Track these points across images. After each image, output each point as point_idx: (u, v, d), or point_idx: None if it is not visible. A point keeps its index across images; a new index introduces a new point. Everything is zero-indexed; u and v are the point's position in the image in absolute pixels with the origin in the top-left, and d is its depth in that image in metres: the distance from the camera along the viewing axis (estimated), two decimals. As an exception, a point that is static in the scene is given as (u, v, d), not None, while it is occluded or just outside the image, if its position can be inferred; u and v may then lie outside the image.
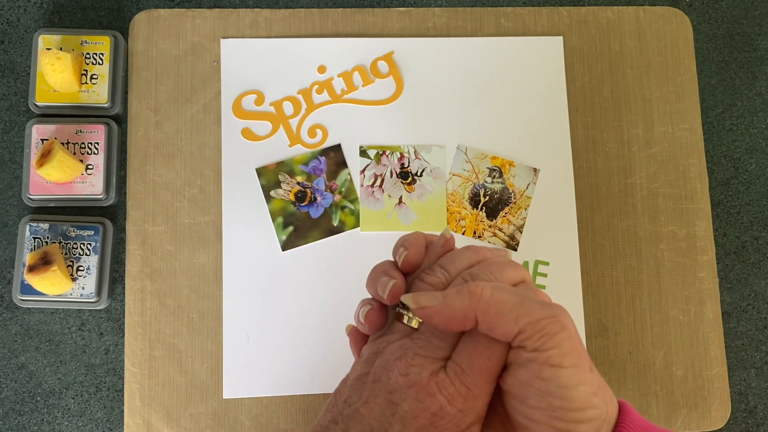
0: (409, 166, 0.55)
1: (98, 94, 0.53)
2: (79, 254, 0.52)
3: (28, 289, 0.50)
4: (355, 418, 0.30)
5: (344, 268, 0.54)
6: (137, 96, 0.55)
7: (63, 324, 0.53)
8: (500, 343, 0.30)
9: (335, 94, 0.56)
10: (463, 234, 0.55)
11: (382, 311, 0.34)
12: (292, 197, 0.54)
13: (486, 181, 0.56)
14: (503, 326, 0.29)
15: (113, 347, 0.53)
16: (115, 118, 0.55)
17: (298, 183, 0.55)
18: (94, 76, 0.54)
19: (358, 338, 0.36)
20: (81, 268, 0.51)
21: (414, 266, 0.35)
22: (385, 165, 0.55)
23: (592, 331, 0.54)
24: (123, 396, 0.52)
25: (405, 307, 0.33)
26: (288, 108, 0.55)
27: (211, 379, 0.52)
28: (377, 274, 0.35)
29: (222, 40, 0.56)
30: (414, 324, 0.32)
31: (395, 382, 0.30)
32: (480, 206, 0.55)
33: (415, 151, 0.56)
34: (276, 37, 0.57)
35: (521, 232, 0.55)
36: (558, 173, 0.56)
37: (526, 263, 0.55)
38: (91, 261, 0.52)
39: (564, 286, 0.55)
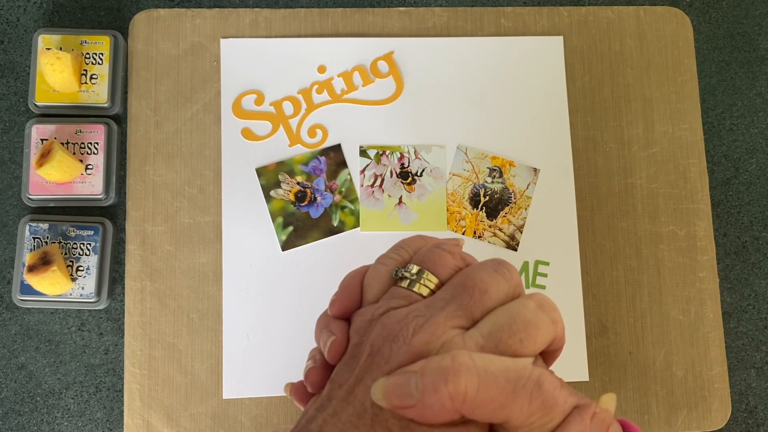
0: (409, 166, 0.55)
1: (98, 94, 0.53)
2: (79, 254, 0.52)
3: (27, 289, 0.50)
4: (348, 401, 0.26)
5: (344, 268, 0.53)
6: (137, 96, 0.55)
7: (63, 324, 0.53)
8: None
9: (335, 94, 0.56)
10: (463, 233, 0.55)
11: (324, 371, 0.29)
12: (292, 197, 0.54)
13: (486, 181, 0.56)
14: (492, 420, 0.25)
15: (113, 347, 0.53)
16: (115, 118, 0.55)
17: (298, 183, 0.55)
18: (94, 76, 0.53)
19: (304, 395, 0.30)
20: (81, 268, 0.51)
21: (349, 313, 0.30)
22: (385, 165, 0.55)
23: (592, 331, 0.54)
24: (123, 396, 0.52)
25: (404, 268, 0.29)
26: (288, 108, 0.55)
27: (211, 379, 0.52)
28: (318, 327, 0.30)
29: (222, 40, 0.56)
30: (419, 290, 0.28)
31: (397, 355, 0.26)
32: (480, 206, 0.55)
33: (415, 151, 0.56)
34: (276, 37, 0.57)
35: (521, 232, 0.55)
36: (558, 173, 0.56)
37: (526, 263, 0.55)
38: (90, 261, 0.51)
39: (564, 286, 0.55)
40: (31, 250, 0.51)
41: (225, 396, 0.52)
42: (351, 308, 0.31)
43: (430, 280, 0.28)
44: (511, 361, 0.25)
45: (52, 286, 0.49)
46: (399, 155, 0.55)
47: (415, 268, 0.29)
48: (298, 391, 0.31)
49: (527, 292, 0.55)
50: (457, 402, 0.24)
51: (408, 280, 0.28)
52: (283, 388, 0.32)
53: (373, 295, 0.30)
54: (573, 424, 0.25)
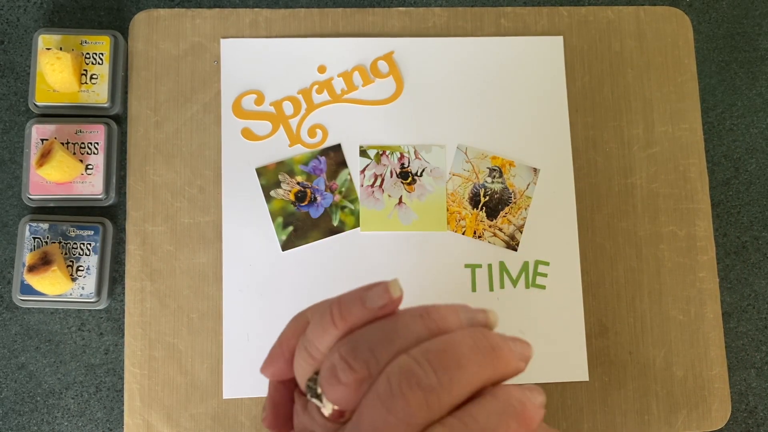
0: (409, 166, 0.55)
1: (98, 94, 0.53)
2: (79, 254, 0.52)
3: (27, 289, 0.50)
4: None
5: (344, 268, 0.54)
6: (137, 96, 0.55)
7: (63, 324, 0.53)
8: None
9: (335, 94, 0.56)
10: (463, 234, 0.55)
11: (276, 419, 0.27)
12: (292, 197, 0.54)
13: (486, 181, 0.56)
14: None
15: (113, 347, 0.53)
16: (115, 118, 0.55)
17: (298, 183, 0.55)
18: (94, 76, 0.53)
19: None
20: (81, 268, 0.51)
21: (282, 377, 0.27)
22: (385, 165, 0.55)
23: (592, 331, 0.54)
24: (123, 396, 0.52)
25: (314, 381, 0.25)
26: (288, 108, 0.55)
27: (211, 379, 0.52)
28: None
29: (222, 40, 0.56)
30: (328, 413, 0.24)
31: None
32: (480, 206, 0.55)
33: (415, 151, 0.56)
34: (276, 37, 0.57)
35: (521, 232, 0.55)
36: (558, 173, 0.56)
37: (526, 263, 0.55)
38: (90, 261, 0.51)
39: (564, 286, 0.55)
40: (31, 250, 0.51)
41: (225, 396, 0.52)
42: (280, 375, 0.27)
43: (328, 407, 0.24)
44: None
45: (52, 286, 0.50)
46: (399, 155, 0.55)
47: (319, 388, 0.24)
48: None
49: (527, 292, 0.55)
50: None
51: (315, 405, 0.24)
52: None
53: (301, 385, 0.26)
54: None
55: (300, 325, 0.27)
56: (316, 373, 0.25)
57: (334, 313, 0.25)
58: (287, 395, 0.27)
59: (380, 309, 0.25)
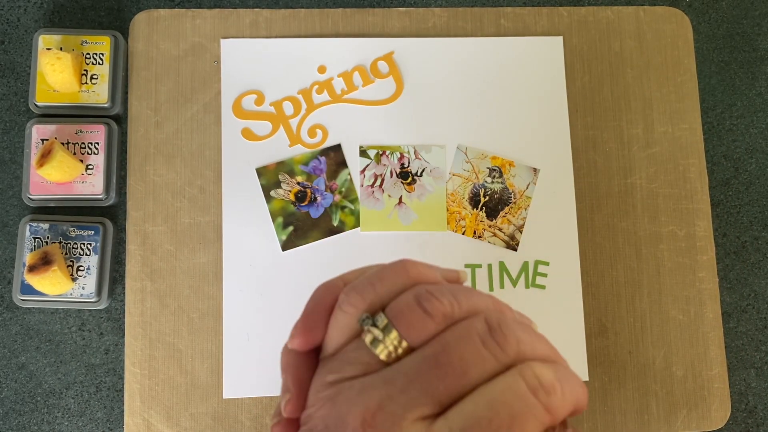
0: (409, 166, 0.55)
1: (98, 94, 0.53)
2: (79, 254, 0.52)
3: (28, 289, 0.50)
4: None
5: (344, 268, 0.53)
6: (137, 96, 0.55)
7: (63, 324, 0.53)
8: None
9: (335, 94, 0.56)
10: (463, 233, 0.55)
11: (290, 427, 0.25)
12: (292, 197, 0.54)
13: (486, 181, 0.56)
14: None
15: (113, 347, 0.53)
16: (115, 118, 0.55)
17: (298, 183, 0.55)
18: (94, 76, 0.54)
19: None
20: (81, 268, 0.51)
21: (312, 346, 0.26)
22: (385, 165, 0.55)
23: (592, 331, 0.54)
24: (123, 396, 0.52)
25: (372, 318, 0.23)
26: (288, 108, 0.56)
27: (211, 379, 0.52)
28: (281, 364, 0.26)
29: (222, 40, 0.56)
30: (382, 354, 0.23)
31: None
32: (480, 206, 0.55)
33: (415, 151, 0.56)
34: (276, 37, 0.57)
35: (521, 232, 0.55)
36: (558, 173, 0.56)
37: (526, 263, 0.55)
38: (91, 261, 0.52)
39: (564, 286, 0.55)
40: (31, 250, 0.51)
41: (225, 396, 0.52)
42: (314, 341, 0.26)
43: (398, 345, 0.23)
44: None
45: (52, 286, 0.50)
46: (399, 155, 0.55)
47: (382, 322, 0.23)
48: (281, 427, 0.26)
49: (527, 292, 0.55)
50: None
51: (372, 337, 0.23)
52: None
53: (334, 347, 0.25)
54: None
55: (335, 289, 0.26)
56: (370, 315, 0.24)
57: (407, 264, 0.25)
58: (311, 367, 0.26)
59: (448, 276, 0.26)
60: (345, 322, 0.24)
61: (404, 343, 0.23)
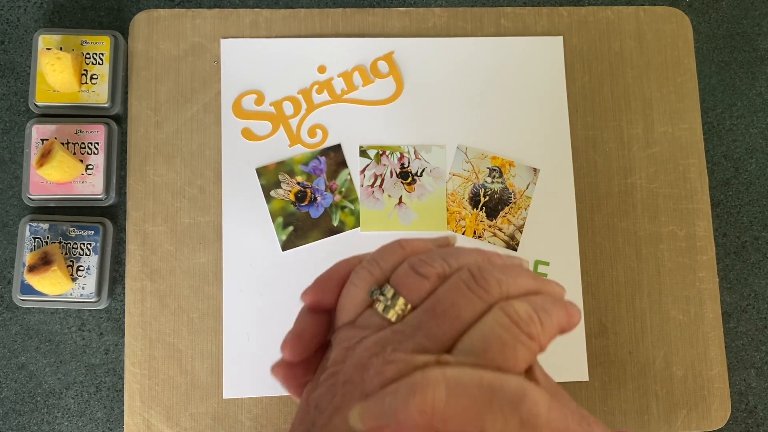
0: (409, 166, 0.55)
1: (98, 94, 0.53)
2: (79, 254, 0.52)
3: (28, 289, 0.50)
4: (328, 429, 0.26)
5: (344, 268, 0.54)
6: (137, 96, 0.55)
7: (63, 324, 0.53)
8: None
9: (335, 94, 0.56)
10: (463, 234, 0.55)
11: (293, 369, 0.29)
12: (292, 197, 0.54)
13: (486, 181, 0.56)
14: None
15: (113, 347, 0.53)
16: (115, 118, 0.55)
17: (298, 183, 0.55)
18: (94, 76, 0.54)
19: (289, 375, 0.30)
20: (81, 268, 0.51)
21: (321, 306, 0.30)
22: (385, 165, 0.55)
23: (592, 331, 0.54)
24: (123, 396, 0.52)
25: (380, 290, 0.28)
26: (288, 108, 0.56)
27: (211, 379, 0.52)
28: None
29: (222, 40, 0.56)
30: (393, 317, 0.27)
31: (370, 384, 0.25)
32: (480, 206, 0.55)
33: (415, 151, 0.56)
34: (276, 37, 0.57)
35: (521, 232, 0.55)
36: (558, 173, 0.56)
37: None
38: (91, 261, 0.52)
39: (564, 286, 0.54)
40: (31, 250, 0.51)
41: (225, 396, 0.52)
42: (323, 301, 0.30)
43: (404, 308, 0.27)
44: (491, 374, 0.24)
45: (52, 286, 0.50)
46: (399, 155, 0.55)
47: (390, 292, 0.28)
48: (282, 368, 0.30)
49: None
50: (426, 415, 0.23)
51: (383, 305, 0.27)
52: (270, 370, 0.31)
53: (348, 317, 0.29)
54: None
55: (350, 264, 0.31)
56: (378, 288, 0.28)
57: (401, 241, 0.30)
58: (315, 325, 0.30)
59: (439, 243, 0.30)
60: (356, 294, 0.29)
61: (409, 306, 0.27)
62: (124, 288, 0.53)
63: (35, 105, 0.53)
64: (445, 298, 0.26)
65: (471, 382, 0.24)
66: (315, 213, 0.54)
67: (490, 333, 0.25)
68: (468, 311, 0.26)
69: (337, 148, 0.55)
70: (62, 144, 0.52)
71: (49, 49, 0.52)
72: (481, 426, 0.23)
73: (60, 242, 0.52)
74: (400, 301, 0.27)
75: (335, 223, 0.54)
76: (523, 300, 0.26)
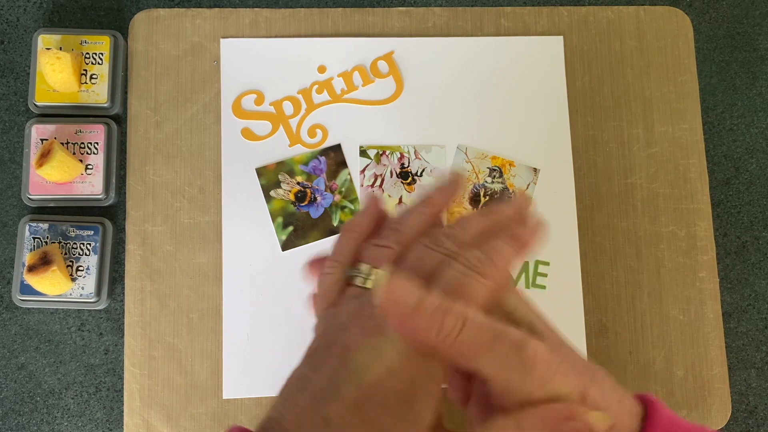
0: (409, 166, 0.55)
1: (98, 94, 0.53)
2: (79, 254, 0.52)
3: (27, 289, 0.50)
4: (305, 388, 0.28)
5: (344, 268, 0.54)
6: (137, 96, 0.55)
7: (63, 324, 0.53)
8: None
9: (335, 94, 0.56)
10: (463, 234, 0.55)
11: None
12: (292, 197, 0.54)
13: (486, 181, 0.56)
14: (468, 366, 0.27)
15: (113, 347, 0.53)
16: (115, 118, 0.55)
17: (298, 183, 0.55)
18: (94, 76, 0.53)
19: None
20: (81, 268, 0.51)
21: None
22: (385, 165, 0.55)
23: (592, 331, 0.54)
24: (123, 396, 0.52)
25: (355, 268, 0.32)
26: (288, 108, 0.55)
27: (211, 379, 0.52)
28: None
29: (222, 40, 0.56)
30: (369, 285, 0.31)
31: (353, 337, 0.28)
32: (480, 206, 0.55)
33: (415, 151, 0.56)
34: (276, 37, 0.57)
35: (521, 232, 0.55)
36: (558, 173, 0.56)
37: (526, 263, 0.55)
38: (90, 261, 0.51)
39: (564, 286, 0.55)
40: (31, 250, 0.51)
41: (225, 396, 0.52)
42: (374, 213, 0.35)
43: (378, 274, 0.31)
44: (504, 325, 0.27)
45: (52, 286, 0.49)
46: (399, 155, 0.55)
47: (364, 267, 0.32)
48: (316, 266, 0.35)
49: (527, 292, 0.55)
50: (447, 342, 0.27)
51: (362, 278, 0.31)
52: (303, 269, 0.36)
53: (328, 301, 0.32)
54: (526, 418, 0.26)
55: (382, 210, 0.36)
56: (351, 267, 0.32)
57: (345, 227, 0.35)
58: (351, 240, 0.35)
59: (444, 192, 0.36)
60: (331, 279, 0.33)
61: (380, 272, 0.31)
62: (123, 288, 0.53)
63: (35, 105, 0.53)
64: (410, 258, 0.31)
65: (484, 324, 0.27)
66: (315, 213, 0.54)
67: (450, 277, 0.29)
68: (431, 263, 0.31)
69: (337, 148, 0.55)
70: (62, 144, 0.52)
71: (48, 48, 0.52)
72: (481, 363, 0.26)
73: (60, 242, 0.52)
74: (376, 271, 0.31)
75: (335, 223, 0.54)
76: (473, 248, 0.31)
